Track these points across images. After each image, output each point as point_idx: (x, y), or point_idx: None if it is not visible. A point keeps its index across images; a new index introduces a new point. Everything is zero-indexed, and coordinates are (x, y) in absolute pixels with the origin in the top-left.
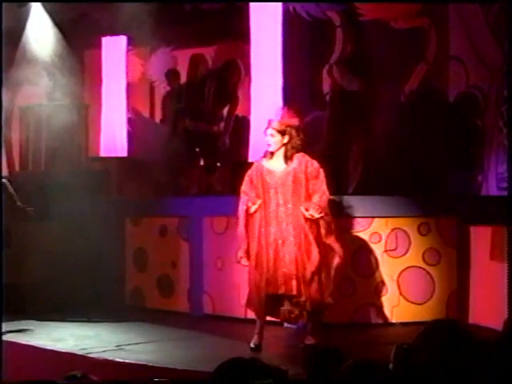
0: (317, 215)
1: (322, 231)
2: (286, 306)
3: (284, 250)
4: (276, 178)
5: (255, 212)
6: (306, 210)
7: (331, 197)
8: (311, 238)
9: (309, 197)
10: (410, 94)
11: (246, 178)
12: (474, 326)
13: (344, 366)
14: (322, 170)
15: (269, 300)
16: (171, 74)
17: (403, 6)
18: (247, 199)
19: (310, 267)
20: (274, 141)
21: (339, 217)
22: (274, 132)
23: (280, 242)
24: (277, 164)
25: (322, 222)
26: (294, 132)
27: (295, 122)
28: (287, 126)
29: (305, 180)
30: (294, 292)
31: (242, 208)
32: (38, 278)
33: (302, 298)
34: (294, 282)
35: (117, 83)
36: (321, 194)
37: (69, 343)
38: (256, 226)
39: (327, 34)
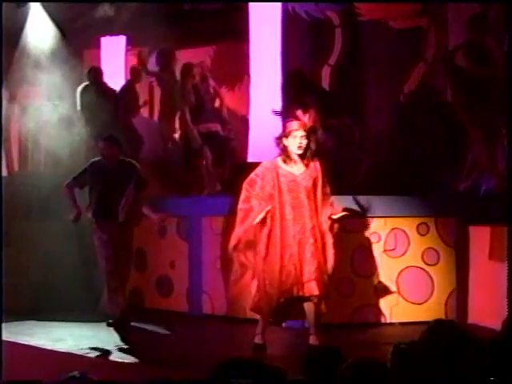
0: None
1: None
2: (298, 308)
3: (305, 253)
4: (295, 181)
5: (272, 214)
6: (333, 214)
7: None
8: (327, 238)
9: (323, 197)
10: (409, 94)
11: (254, 177)
12: (473, 326)
13: (344, 366)
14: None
15: (284, 302)
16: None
17: (402, 5)
18: (257, 205)
19: (329, 268)
20: (305, 144)
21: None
22: (305, 134)
23: (298, 244)
24: (296, 167)
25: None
26: (316, 135)
27: (317, 123)
28: (312, 127)
29: (321, 182)
30: (316, 293)
31: (249, 209)
32: (37, 278)
33: (316, 300)
34: (313, 283)
35: (116, 83)
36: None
37: (68, 343)
38: (268, 227)
39: (326, 34)
